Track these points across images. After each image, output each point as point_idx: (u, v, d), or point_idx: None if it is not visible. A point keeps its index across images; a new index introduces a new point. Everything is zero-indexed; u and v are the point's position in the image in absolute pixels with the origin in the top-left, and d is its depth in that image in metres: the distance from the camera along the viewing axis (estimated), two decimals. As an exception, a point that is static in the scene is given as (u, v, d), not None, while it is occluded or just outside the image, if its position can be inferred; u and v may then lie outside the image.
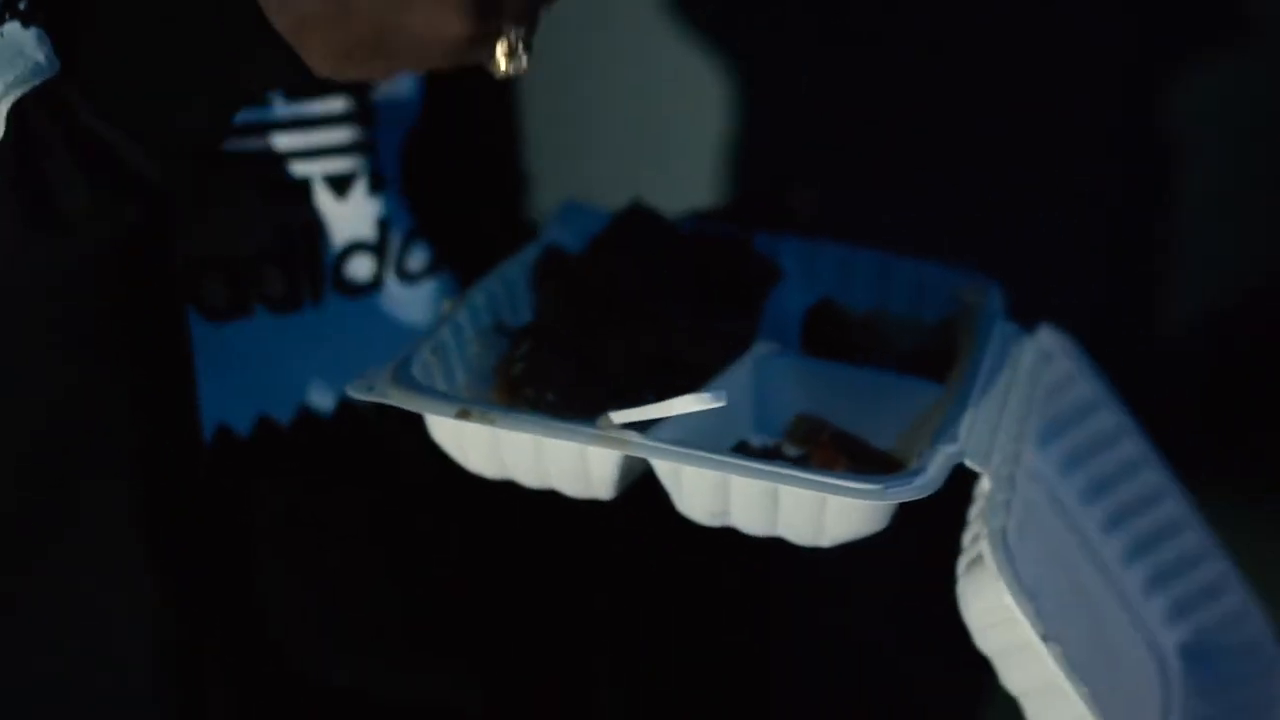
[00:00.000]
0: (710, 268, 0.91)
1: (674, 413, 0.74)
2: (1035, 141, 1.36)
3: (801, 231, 0.96)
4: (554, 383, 0.83)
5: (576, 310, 0.88)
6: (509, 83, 1.05)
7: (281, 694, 0.93)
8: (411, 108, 0.97)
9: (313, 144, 0.93)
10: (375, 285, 0.95)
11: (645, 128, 1.42)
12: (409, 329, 0.95)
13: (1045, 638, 0.75)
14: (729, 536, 0.80)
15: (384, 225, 0.95)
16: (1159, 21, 1.34)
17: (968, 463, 0.79)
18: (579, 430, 0.78)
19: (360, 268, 0.94)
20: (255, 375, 0.91)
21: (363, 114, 0.94)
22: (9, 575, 0.81)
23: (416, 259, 0.97)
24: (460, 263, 0.97)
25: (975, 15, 1.34)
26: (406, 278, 0.96)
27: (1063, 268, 1.34)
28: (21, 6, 0.74)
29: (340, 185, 0.94)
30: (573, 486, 0.80)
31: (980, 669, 0.79)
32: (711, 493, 0.77)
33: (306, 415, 0.92)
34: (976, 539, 0.77)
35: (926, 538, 0.80)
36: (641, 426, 0.78)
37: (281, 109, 0.91)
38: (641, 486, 0.80)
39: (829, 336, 0.90)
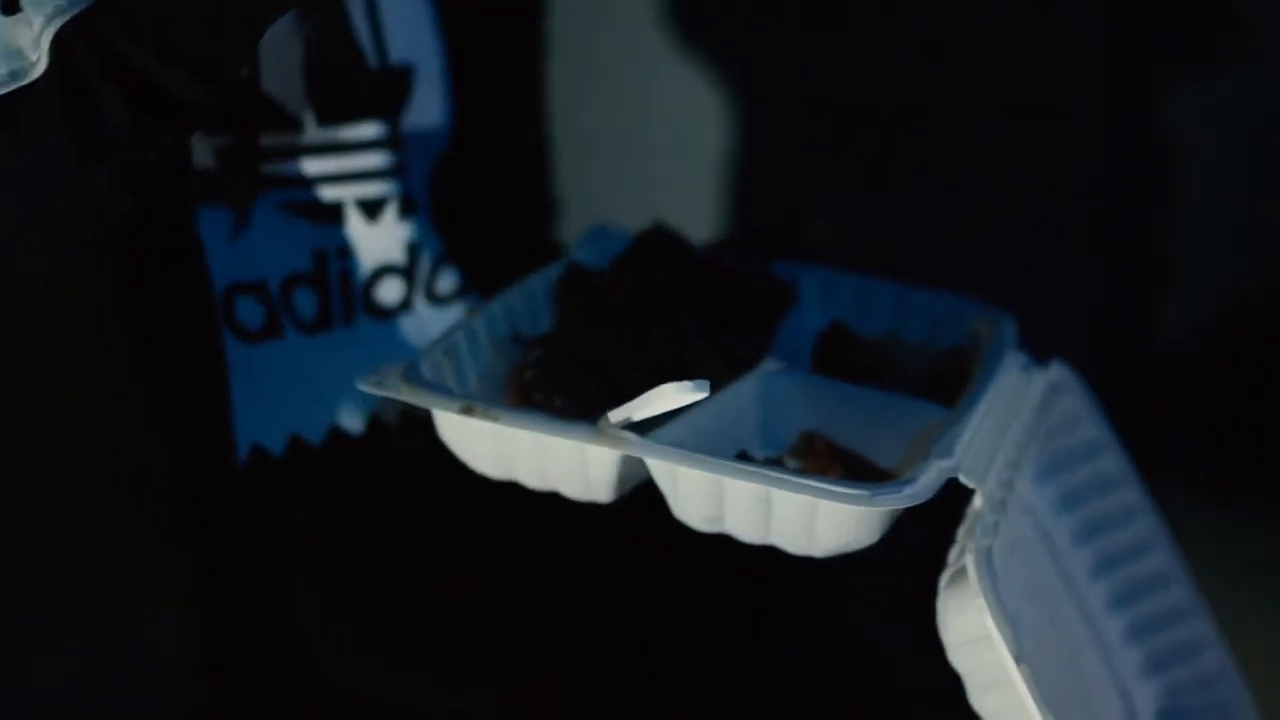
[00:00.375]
0: (727, 289, 0.92)
1: (659, 404, 0.76)
2: (1035, 144, 1.36)
3: (819, 259, 0.97)
4: (563, 390, 0.85)
5: (593, 324, 0.89)
6: (538, 109, 1.07)
7: (310, 704, 0.93)
8: (442, 134, 0.99)
9: (345, 169, 0.95)
10: (405, 308, 0.97)
11: (671, 152, 1.43)
12: (438, 351, 0.97)
13: (1019, 660, 0.75)
14: (725, 544, 0.81)
15: (414, 249, 0.97)
16: (1158, 23, 1.34)
17: (961, 478, 0.79)
18: (577, 428, 0.79)
19: (390, 290, 0.96)
20: (287, 396, 0.92)
21: (394, 139, 0.96)
22: (46, 580, 0.83)
23: (446, 282, 0.98)
24: (488, 286, 0.99)
25: (975, 18, 1.34)
26: (436, 300, 0.98)
27: (1060, 269, 1.34)
28: None
29: (372, 209, 0.95)
30: (573, 488, 0.82)
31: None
32: (706, 496, 0.78)
33: (337, 435, 0.94)
34: (961, 555, 0.77)
35: (925, 552, 0.81)
36: (642, 430, 0.79)
37: (315, 134, 0.94)
38: (642, 493, 0.81)
39: (840, 359, 0.91)
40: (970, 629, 0.76)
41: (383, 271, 0.96)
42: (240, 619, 0.88)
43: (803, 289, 0.95)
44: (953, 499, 0.79)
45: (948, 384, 0.88)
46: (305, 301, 0.93)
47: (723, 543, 0.80)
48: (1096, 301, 1.34)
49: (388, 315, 0.96)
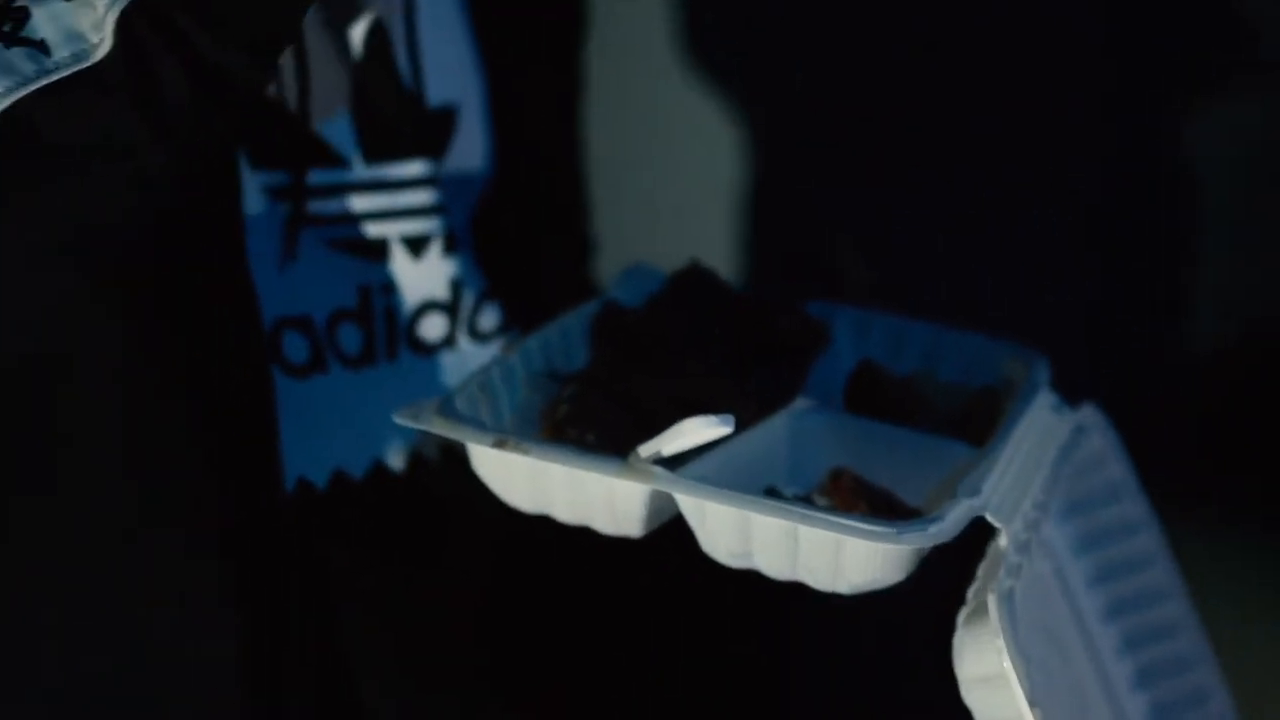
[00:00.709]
0: (760, 328, 0.93)
1: (686, 439, 0.77)
2: (1038, 147, 1.36)
3: (854, 300, 0.98)
4: (597, 426, 0.86)
5: (628, 362, 0.91)
6: (576, 149, 1.08)
7: None
8: (483, 173, 1.01)
9: (390, 206, 0.96)
10: (448, 344, 0.98)
11: (705, 191, 1.44)
12: (479, 387, 0.98)
13: (1032, 704, 0.75)
14: (753, 579, 0.82)
15: (457, 285, 0.98)
16: (1159, 25, 1.34)
17: (989, 517, 0.80)
18: (607, 463, 0.80)
19: (433, 326, 0.97)
20: (330, 430, 0.93)
21: (438, 178, 0.98)
22: (94, 608, 0.84)
23: (488, 319, 0.99)
24: (529, 323, 0.99)
25: (1011, 67, 1.34)
26: (478, 337, 0.99)
27: (1056, 266, 1.33)
28: None
29: (416, 246, 0.97)
30: (604, 522, 0.83)
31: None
32: (733, 531, 0.79)
33: (379, 469, 0.95)
34: (981, 594, 0.78)
35: (943, 585, 0.81)
36: (674, 466, 0.80)
37: (361, 172, 0.95)
38: (673, 528, 0.82)
39: (870, 397, 0.91)
40: (986, 667, 0.76)
41: (426, 307, 0.97)
42: (285, 650, 0.89)
43: (836, 328, 0.96)
44: (972, 534, 0.80)
45: (978, 424, 0.88)
46: (349, 337, 0.94)
47: (750, 577, 0.81)
48: (1092, 296, 1.33)
49: (431, 351, 0.97)
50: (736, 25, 1.42)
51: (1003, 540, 0.80)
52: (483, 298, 0.99)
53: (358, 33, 0.96)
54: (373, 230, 0.95)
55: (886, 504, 0.83)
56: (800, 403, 0.89)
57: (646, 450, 0.79)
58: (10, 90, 0.76)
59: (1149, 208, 1.34)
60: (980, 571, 0.80)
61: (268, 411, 0.89)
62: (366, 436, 0.94)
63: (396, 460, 0.95)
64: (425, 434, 0.85)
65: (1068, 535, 0.87)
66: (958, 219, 1.32)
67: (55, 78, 0.77)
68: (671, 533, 0.83)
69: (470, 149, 1.00)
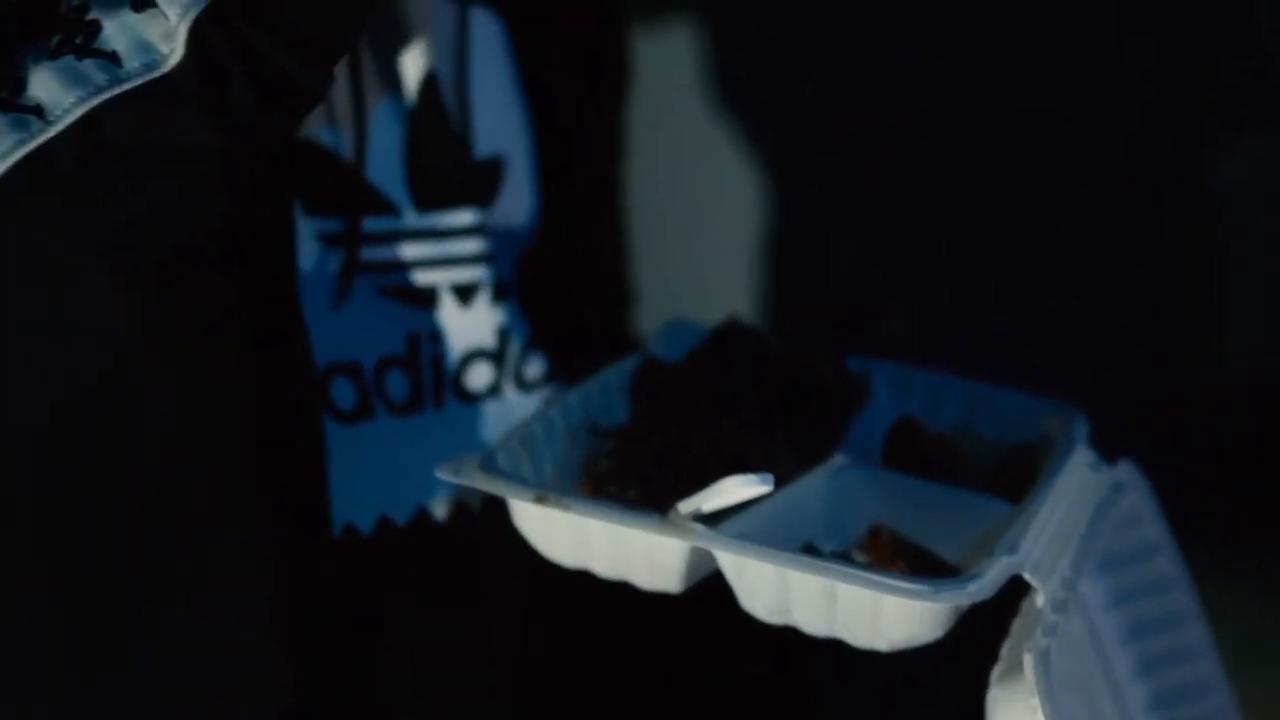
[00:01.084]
0: (800, 383, 0.94)
1: (725, 497, 0.77)
2: (1046, 152, 1.35)
3: (895, 355, 0.98)
4: (637, 482, 0.87)
5: (668, 417, 0.91)
6: (618, 201, 1.09)
7: None
8: (529, 223, 1.01)
9: (441, 254, 0.97)
10: (494, 393, 0.98)
11: (745, 245, 1.44)
12: (524, 437, 0.98)
13: None
14: (792, 635, 0.82)
15: (504, 334, 0.99)
16: (1171, 33, 1.33)
17: (1026, 576, 0.80)
18: (647, 519, 0.81)
19: (480, 375, 0.98)
20: (376, 476, 0.94)
21: (487, 227, 0.99)
22: (143, 645, 0.85)
23: (534, 368, 1.00)
24: (571, 373, 1.00)
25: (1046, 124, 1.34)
26: (524, 386, 0.99)
27: (1061, 269, 1.33)
28: None
29: (465, 294, 0.97)
30: (644, 577, 0.83)
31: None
32: (771, 589, 0.80)
33: (423, 517, 0.95)
34: (1016, 651, 0.78)
35: (977, 641, 0.81)
36: (713, 521, 0.81)
37: (412, 219, 0.96)
38: (711, 584, 0.83)
39: (909, 453, 0.92)
40: (1019, 727, 0.77)
41: (473, 356, 0.98)
42: (331, 692, 0.90)
43: (875, 383, 0.96)
44: (1008, 589, 0.80)
45: (1016, 480, 0.89)
46: (397, 384, 0.95)
47: (787, 633, 0.82)
48: (1096, 300, 1.33)
49: (477, 400, 0.98)
50: (769, 75, 1.42)
51: (1039, 599, 0.80)
52: (528, 347, 1.00)
53: (411, 81, 0.97)
54: (422, 278, 0.96)
55: (925, 561, 0.84)
56: (839, 458, 0.90)
57: (686, 507, 0.80)
58: (83, 99, 0.78)
59: (1159, 213, 1.33)
60: (1015, 628, 0.80)
61: (318, 455, 0.90)
62: (411, 484, 0.94)
63: (440, 509, 0.95)
64: (468, 485, 0.86)
65: (1101, 591, 0.87)
66: (996, 270, 1.33)
67: (127, 87, 0.78)
68: (709, 588, 0.83)
69: (516, 199, 1.01)
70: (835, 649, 0.81)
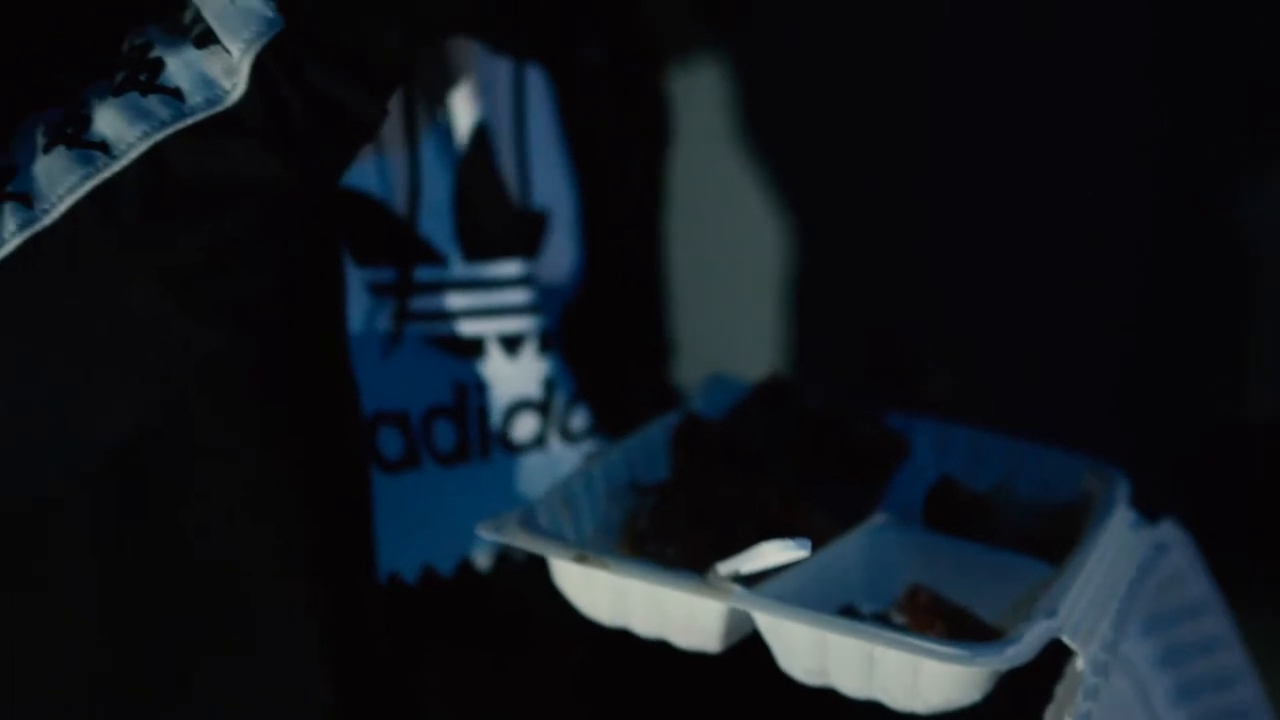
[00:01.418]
0: (840, 441, 0.94)
1: (763, 560, 0.78)
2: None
3: (935, 413, 0.98)
4: (676, 540, 0.87)
5: (707, 475, 0.91)
6: (660, 256, 1.10)
7: None
8: (574, 276, 1.02)
9: (488, 304, 0.97)
10: (539, 444, 0.99)
11: (785, 299, 1.45)
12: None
13: None
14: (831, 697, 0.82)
15: (550, 385, 0.99)
16: (1208, 88, 1.33)
17: (1065, 639, 0.80)
18: (686, 579, 0.81)
19: (526, 426, 0.98)
20: (421, 526, 0.94)
21: (534, 278, 0.99)
22: (192, 692, 0.86)
23: (579, 420, 1.00)
24: (614, 425, 1.01)
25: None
26: (569, 438, 1.00)
27: (1071, 276, 1.32)
28: None
29: (512, 345, 0.98)
30: (683, 637, 0.84)
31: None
32: (810, 650, 0.80)
33: (466, 568, 0.96)
34: (1059, 715, 0.78)
35: (1019, 703, 0.81)
36: (750, 582, 0.81)
37: (460, 270, 0.97)
38: (750, 644, 0.83)
39: (949, 513, 0.92)
40: (1063, 792, 0.76)
41: (519, 407, 0.98)
42: None
43: (915, 441, 0.96)
44: (1050, 650, 0.80)
45: (1057, 541, 0.89)
46: (444, 434, 0.95)
47: (828, 695, 0.82)
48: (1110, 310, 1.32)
49: (522, 450, 0.98)
50: (811, 129, 1.43)
51: (1080, 663, 0.80)
52: (574, 398, 1.00)
53: (462, 131, 0.97)
54: (470, 328, 0.97)
55: (964, 623, 0.83)
56: (878, 517, 0.90)
57: (725, 568, 0.80)
58: (147, 134, 0.79)
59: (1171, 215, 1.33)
60: (1058, 693, 0.80)
61: (364, 504, 0.90)
62: (456, 534, 0.95)
63: (483, 560, 0.96)
64: (510, 539, 0.86)
65: (1149, 651, 0.87)
66: (1036, 321, 1.33)
67: (190, 121, 0.79)
68: (748, 648, 0.83)
69: (561, 252, 1.02)
70: (874, 711, 0.81)
